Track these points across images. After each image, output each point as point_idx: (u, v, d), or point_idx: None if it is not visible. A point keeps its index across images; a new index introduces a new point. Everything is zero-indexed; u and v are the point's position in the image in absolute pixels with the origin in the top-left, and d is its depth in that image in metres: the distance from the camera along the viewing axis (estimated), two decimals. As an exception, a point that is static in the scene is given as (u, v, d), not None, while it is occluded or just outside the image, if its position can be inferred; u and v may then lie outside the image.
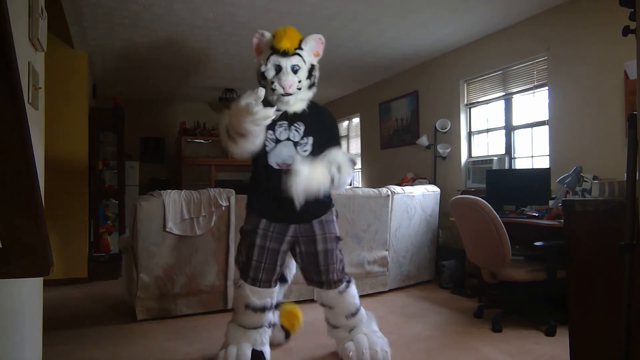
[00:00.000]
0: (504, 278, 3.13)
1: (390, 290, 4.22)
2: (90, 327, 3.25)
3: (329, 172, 2.39)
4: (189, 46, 4.84)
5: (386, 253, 4.16)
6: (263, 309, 2.50)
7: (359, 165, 7.17)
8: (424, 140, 5.29)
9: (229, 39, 4.61)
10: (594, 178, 3.26)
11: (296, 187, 2.28)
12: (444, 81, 5.26)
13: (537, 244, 3.00)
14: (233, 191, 3.60)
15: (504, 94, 4.56)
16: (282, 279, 2.81)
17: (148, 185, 7.45)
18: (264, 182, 2.53)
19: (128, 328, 3.23)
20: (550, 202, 3.53)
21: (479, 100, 4.88)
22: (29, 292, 1.62)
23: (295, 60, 2.51)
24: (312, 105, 2.65)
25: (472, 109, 5.04)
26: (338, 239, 2.64)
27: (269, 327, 2.59)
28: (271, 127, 2.48)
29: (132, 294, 3.42)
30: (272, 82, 2.49)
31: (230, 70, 5.83)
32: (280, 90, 2.48)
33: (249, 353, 2.44)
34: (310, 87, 2.59)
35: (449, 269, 4.36)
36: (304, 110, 2.59)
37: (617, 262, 1.56)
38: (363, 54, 5.19)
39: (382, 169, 6.53)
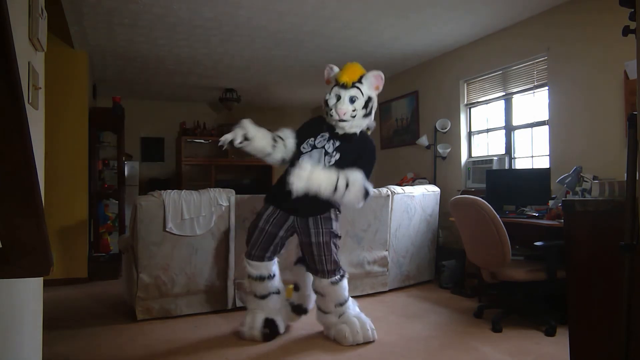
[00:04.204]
0: (504, 278, 3.13)
1: (390, 290, 4.22)
2: (90, 327, 3.25)
3: (335, 181, 2.68)
4: (189, 46, 4.84)
5: (386, 253, 4.16)
6: (261, 278, 2.97)
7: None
8: (424, 140, 5.28)
9: (229, 39, 4.61)
10: (594, 178, 3.25)
11: (294, 179, 2.61)
12: (444, 81, 5.26)
13: (537, 244, 3.00)
14: (233, 191, 3.60)
15: (504, 94, 4.55)
16: (300, 309, 3.21)
17: (148, 185, 7.45)
18: (287, 177, 2.84)
19: (128, 328, 3.23)
20: (550, 202, 3.53)
21: (479, 100, 4.88)
22: (29, 292, 1.62)
23: (353, 92, 2.88)
24: (362, 136, 2.98)
25: (472, 109, 5.04)
26: (333, 234, 2.95)
27: (277, 293, 3.03)
28: (314, 135, 2.96)
29: (132, 294, 3.41)
30: (331, 109, 2.88)
31: (230, 70, 5.83)
32: (335, 117, 2.86)
33: (260, 320, 2.94)
34: (365, 116, 2.92)
35: (449, 269, 4.36)
36: (348, 135, 2.91)
37: (617, 262, 1.56)
38: (363, 54, 5.18)
39: (382, 169, 6.52)
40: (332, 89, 2.92)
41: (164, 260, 3.35)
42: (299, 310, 3.19)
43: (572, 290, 1.91)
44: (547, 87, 4.00)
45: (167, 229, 3.32)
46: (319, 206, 2.87)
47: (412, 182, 5.26)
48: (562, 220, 2.06)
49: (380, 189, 4.14)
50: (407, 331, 3.13)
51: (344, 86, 2.88)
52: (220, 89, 6.91)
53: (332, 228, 2.94)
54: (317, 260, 2.91)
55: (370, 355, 2.70)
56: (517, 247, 3.51)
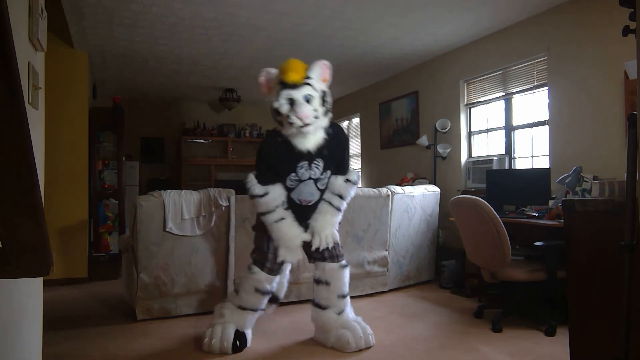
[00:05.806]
0: (504, 278, 3.13)
1: (390, 290, 4.22)
2: (90, 327, 3.25)
3: (336, 208, 2.78)
4: (189, 46, 4.84)
5: (386, 253, 4.16)
6: (263, 292, 2.80)
7: (358, 166, 7.17)
8: (424, 140, 5.29)
9: (229, 39, 4.61)
10: (594, 178, 3.26)
11: (322, 240, 2.73)
12: (444, 81, 5.26)
13: (537, 244, 3.01)
14: (233, 191, 3.60)
15: (504, 94, 4.55)
16: (274, 299, 3.04)
17: (148, 185, 7.45)
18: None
19: (128, 328, 3.23)
20: (550, 202, 3.53)
21: (479, 100, 4.88)
22: (29, 292, 1.62)
23: (306, 90, 2.57)
24: (330, 129, 2.76)
25: (472, 109, 5.04)
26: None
27: (259, 310, 2.86)
28: (293, 169, 2.68)
29: (132, 294, 3.41)
30: (288, 116, 2.54)
31: (230, 70, 5.83)
32: (298, 123, 2.54)
33: (232, 333, 2.72)
34: (325, 113, 2.68)
35: (449, 269, 4.36)
36: (322, 143, 2.69)
37: (617, 262, 1.56)
38: (363, 54, 5.19)
39: (382, 169, 6.53)
40: (279, 93, 2.55)
41: (164, 260, 3.35)
42: (273, 299, 3.00)
43: (572, 290, 1.91)
44: (547, 87, 4.00)
45: (167, 229, 3.32)
46: (311, 208, 2.82)
47: (412, 182, 5.26)
48: (562, 220, 2.06)
49: (380, 189, 4.14)
50: (407, 331, 3.13)
51: (295, 86, 2.55)
52: (220, 89, 6.91)
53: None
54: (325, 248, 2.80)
55: (370, 356, 2.70)
56: (517, 247, 3.51)
